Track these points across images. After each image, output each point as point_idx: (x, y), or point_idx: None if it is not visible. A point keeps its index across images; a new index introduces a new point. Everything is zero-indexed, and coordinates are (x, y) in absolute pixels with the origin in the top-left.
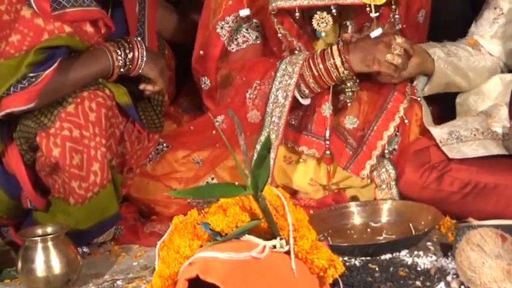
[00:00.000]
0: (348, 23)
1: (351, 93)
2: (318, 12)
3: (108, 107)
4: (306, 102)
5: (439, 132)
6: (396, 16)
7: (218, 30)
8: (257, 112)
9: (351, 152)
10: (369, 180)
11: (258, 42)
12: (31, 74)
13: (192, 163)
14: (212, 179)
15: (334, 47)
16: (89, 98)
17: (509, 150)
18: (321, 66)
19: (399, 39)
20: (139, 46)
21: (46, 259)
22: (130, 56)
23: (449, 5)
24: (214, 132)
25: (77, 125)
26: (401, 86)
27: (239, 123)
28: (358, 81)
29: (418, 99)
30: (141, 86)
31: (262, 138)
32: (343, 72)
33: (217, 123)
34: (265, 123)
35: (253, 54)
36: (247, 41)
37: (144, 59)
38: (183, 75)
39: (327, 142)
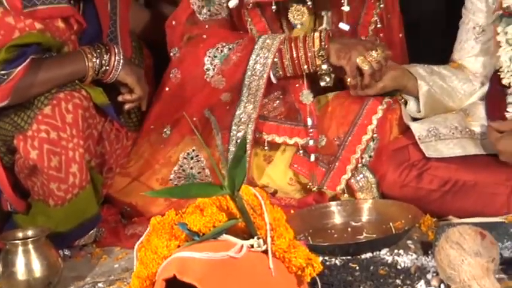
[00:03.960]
0: (323, 13)
1: (327, 78)
2: (293, 5)
3: (85, 108)
4: (275, 80)
5: (418, 127)
6: (381, 6)
7: None
8: (222, 78)
9: (323, 169)
10: (346, 195)
11: (228, 18)
12: (2, 72)
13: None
14: (193, 150)
15: (316, 34)
16: (65, 99)
17: (486, 149)
18: (301, 49)
19: (379, 51)
20: (116, 51)
21: (27, 262)
22: (106, 59)
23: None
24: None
25: (54, 126)
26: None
27: (215, 122)
28: (331, 69)
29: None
30: (120, 98)
31: (239, 110)
32: (321, 59)
33: (171, 76)
34: (243, 94)
35: (222, 26)
36: (219, 13)
37: (120, 64)
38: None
39: (311, 130)
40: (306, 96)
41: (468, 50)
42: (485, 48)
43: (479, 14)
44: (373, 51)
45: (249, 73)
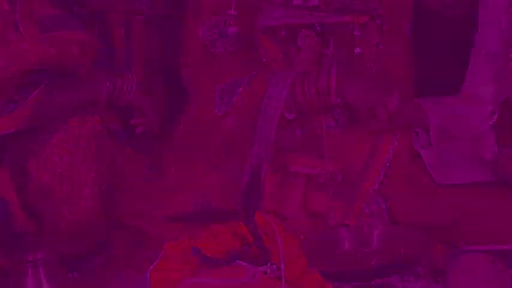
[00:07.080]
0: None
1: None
2: (302, 30)
3: (98, 132)
4: (291, 116)
5: (429, 154)
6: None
7: None
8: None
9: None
10: None
11: (242, 50)
12: (17, 97)
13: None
14: None
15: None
16: (78, 123)
17: (497, 175)
18: (313, 89)
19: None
20: (129, 76)
21: (37, 284)
22: (119, 83)
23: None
24: None
25: (67, 150)
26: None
27: None
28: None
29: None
30: (132, 121)
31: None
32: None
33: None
34: (256, 139)
35: (237, 59)
36: (233, 45)
37: (133, 89)
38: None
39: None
40: (328, 124)
41: (479, 77)
42: (497, 75)
43: (492, 41)
44: (394, 98)
45: (261, 116)
